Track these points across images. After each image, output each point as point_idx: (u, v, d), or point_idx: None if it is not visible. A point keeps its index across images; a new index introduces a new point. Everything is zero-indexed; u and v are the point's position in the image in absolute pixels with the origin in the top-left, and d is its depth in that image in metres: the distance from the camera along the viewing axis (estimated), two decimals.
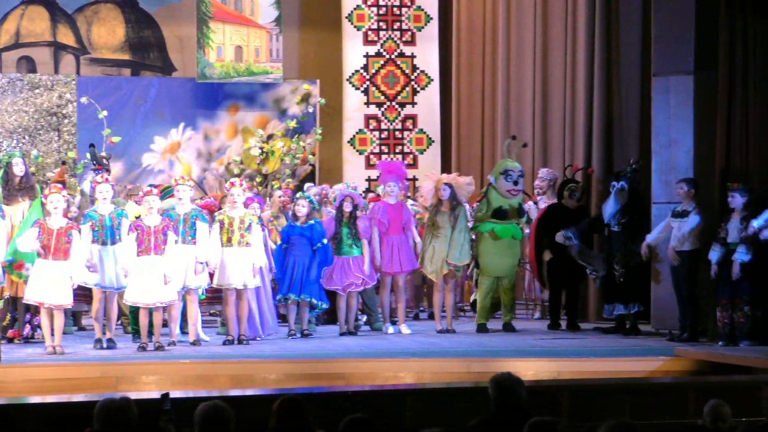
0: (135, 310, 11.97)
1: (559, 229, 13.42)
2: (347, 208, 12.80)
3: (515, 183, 13.26)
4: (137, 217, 11.87)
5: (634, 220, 12.97)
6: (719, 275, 12.01)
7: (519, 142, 14.21)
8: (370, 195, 14.36)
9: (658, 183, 13.15)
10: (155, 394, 8.23)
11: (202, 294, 12.29)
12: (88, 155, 14.72)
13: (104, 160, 13.90)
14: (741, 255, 11.62)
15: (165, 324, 11.91)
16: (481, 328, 13.26)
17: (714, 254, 11.85)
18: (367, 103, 16.84)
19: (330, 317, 13.66)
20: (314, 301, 12.61)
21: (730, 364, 10.97)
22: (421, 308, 14.96)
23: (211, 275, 12.00)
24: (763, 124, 12.26)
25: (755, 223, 11.33)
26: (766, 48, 12.30)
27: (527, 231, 13.93)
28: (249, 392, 9.91)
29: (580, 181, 14.05)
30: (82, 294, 12.08)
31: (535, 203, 14.30)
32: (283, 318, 13.05)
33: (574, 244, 13.22)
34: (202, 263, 11.78)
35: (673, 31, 13.17)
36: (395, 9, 16.80)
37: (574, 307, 13.78)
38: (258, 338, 12.33)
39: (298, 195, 12.97)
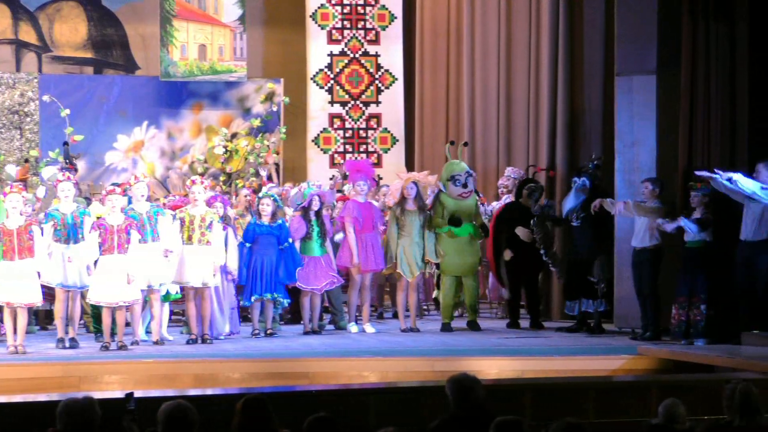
0: (98, 310, 11.91)
1: (515, 227, 13.47)
2: (315, 206, 12.79)
3: (464, 186, 13.28)
4: (99, 217, 11.81)
5: (597, 216, 13.02)
6: (679, 273, 12.12)
7: (459, 142, 14.31)
8: (337, 194, 14.35)
9: (621, 182, 13.22)
10: (118, 394, 8.20)
11: (178, 293, 12.24)
12: (56, 152, 14.67)
13: (74, 159, 13.86)
14: (689, 226, 11.74)
15: (128, 323, 11.86)
16: (445, 327, 13.29)
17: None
18: (332, 102, 16.84)
19: (294, 316, 13.64)
20: (280, 297, 12.59)
21: (693, 362, 11.04)
22: (382, 309, 14.95)
23: None
24: (724, 124, 12.34)
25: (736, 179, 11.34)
26: (727, 48, 12.37)
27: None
28: (212, 391, 9.89)
29: (540, 183, 14.06)
30: (47, 294, 12.01)
31: (483, 204, 14.28)
32: (246, 318, 13.03)
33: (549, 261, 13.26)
34: (168, 250, 11.77)
35: (635, 31, 13.24)
36: (359, 8, 16.80)
37: (536, 305, 13.81)
38: (221, 336, 12.30)
39: (261, 194, 12.96)
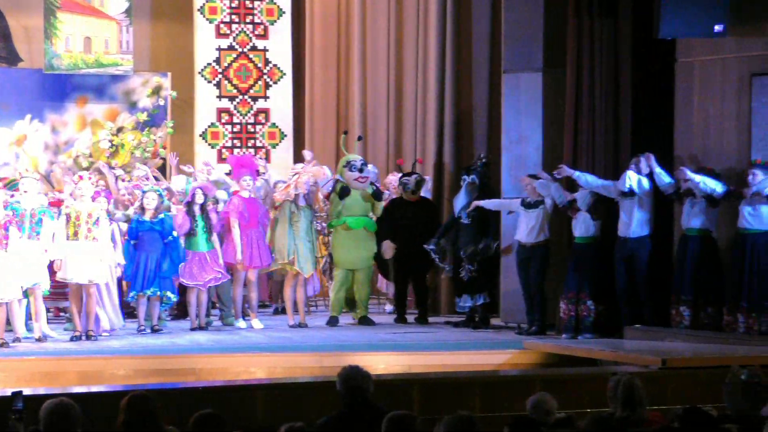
0: None
1: (400, 223, 13.51)
2: (199, 200, 12.69)
3: (360, 170, 13.34)
4: None
5: (483, 213, 13.13)
6: (569, 269, 12.29)
7: (352, 135, 14.35)
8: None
9: (507, 178, 13.35)
10: (2, 393, 8.05)
11: (46, 291, 12.06)
12: None
13: None
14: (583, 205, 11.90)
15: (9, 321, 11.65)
16: (333, 321, 13.30)
17: None
18: (219, 97, 16.71)
19: (180, 312, 13.53)
20: (169, 293, 12.48)
21: (577, 356, 11.19)
22: (269, 302, 14.89)
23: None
24: (608, 120, 12.52)
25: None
26: (611, 46, 12.55)
27: None
28: (97, 389, 9.76)
29: (415, 172, 14.03)
30: None
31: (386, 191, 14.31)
32: (130, 314, 12.90)
33: (437, 257, 13.29)
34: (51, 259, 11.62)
35: (522, 29, 13.38)
36: (247, 2, 16.69)
37: (423, 300, 13.88)
38: (106, 333, 12.15)
39: (145, 189, 12.81)
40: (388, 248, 13.54)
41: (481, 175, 13.23)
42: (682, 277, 11.77)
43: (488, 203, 13.04)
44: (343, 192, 13.23)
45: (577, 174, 12.09)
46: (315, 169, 13.64)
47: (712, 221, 11.77)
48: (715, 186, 11.52)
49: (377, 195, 13.48)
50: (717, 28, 11.67)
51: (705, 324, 11.66)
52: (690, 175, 11.56)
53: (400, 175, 14.11)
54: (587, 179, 12.07)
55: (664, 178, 11.83)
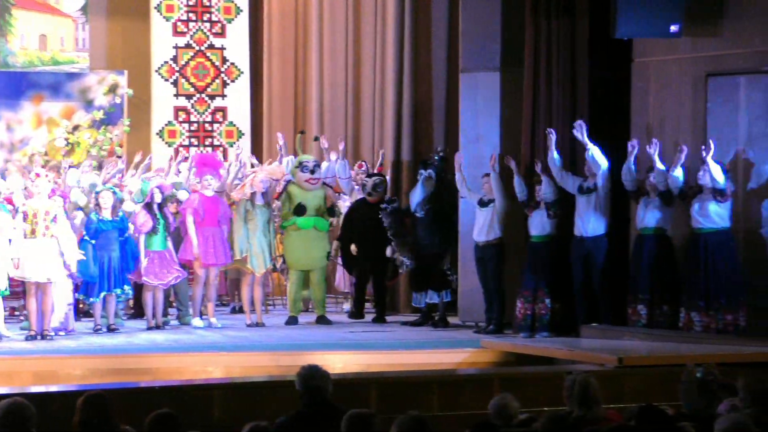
0: None
1: (362, 224, 13.50)
2: (158, 199, 12.64)
3: (312, 172, 13.33)
4: None
5: (440, 207, 13.16)
6: (525, 267, 12.33)
7: (307, 136, 14.37)
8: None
9: (459, 180, 13.34)
10: None
11: (6, 290, 11.97)
12: None
13: None
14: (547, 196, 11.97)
15: None
16: (291, 321, 13.29)
17: None
18: (177, 95, 16.65)
19: (137, 311, 13.46)
20: (126, 287, 12.44)
21: (534, 355, 11.23)
22: (227, 300, 14.85)
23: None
24: (565, 120, 12.56)
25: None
26: (568, 45, 12.60)
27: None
28: (52, 388, 9.68)
29: (374, 174, 14.02)
30: None
31: (339, 194, 14.29)
32: (86, 313, 12.83)
33: (388, 217, 13.21)
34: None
35: (480, 28, 13.41)
36: (205, 0, 16.65)
37: (382, 300, 13.88)
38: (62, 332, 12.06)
39: (100, 188, 12.73)
40: (352, 248, 13.58)
41: (439, 169, 13.25)
42: (638, 276, 11.84)
43: (457, 176, 12.97)
44: (299, 211, 13.18)
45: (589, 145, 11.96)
46: (272, 167, 13.62)
47: (667, 220, 11.84)
48: (720, 179, 11.41)
49: (331, 212, 13.46)
50: (673, 28, 11.75)
51: (661, 322, 11.73)
52: (710, 160, 11.44)
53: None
54: (594, 154, 11.94)
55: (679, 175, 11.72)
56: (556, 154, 12.12)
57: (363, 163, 14.53)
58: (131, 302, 13.52)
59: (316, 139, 14.81)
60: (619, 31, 11.71)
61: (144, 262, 12.48)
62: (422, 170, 13.30)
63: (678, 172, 11.60)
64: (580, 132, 11.93)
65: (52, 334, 11.82)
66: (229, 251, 12.96)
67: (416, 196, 13.25)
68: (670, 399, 8.36)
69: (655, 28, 11.79)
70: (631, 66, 12.39)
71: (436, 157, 13.39)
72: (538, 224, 12.29)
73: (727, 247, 11.47)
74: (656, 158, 11.68)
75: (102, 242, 12.32)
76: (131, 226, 12.58)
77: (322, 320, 13.36)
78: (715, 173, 11.35)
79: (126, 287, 12.47)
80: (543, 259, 12.25)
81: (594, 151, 11.88)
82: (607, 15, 11.79)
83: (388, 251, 13.49)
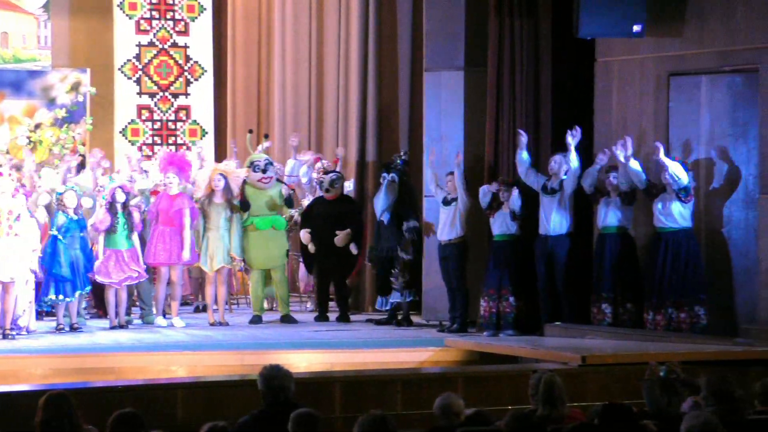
0: None
1: (321, 221, 13.50)
2: (120, 198, 12.59)
3: (264, 171, 13.32)
4: None
5: (404, 211, 13.17)
6: (488, 266, 12.36)
7: (261, 134, 14.41)
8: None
9: (429, 177, 13.37)
10: None
11: None
12: None
13: None
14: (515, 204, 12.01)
15: None
16: (255, 320, 13.28)
17: None
18: (140, 93, 16.58)
19: (101, 311, 13.40)
20: (88, 287, 12.39)
21: (498, 353, 11.26)
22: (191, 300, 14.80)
23: None
24: (528, 119, 12.61)
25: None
26: (531, 45, 12.64)
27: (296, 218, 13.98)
28: (14, 388, 9.61)
29: (330, 171, 14.00)
30: None
31: (293, 190, 14.26)
32: (48, 313, 12.77)
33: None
34: None
35: (443, 27, 13.43)
36: None
37: (345, 299, 13.87)
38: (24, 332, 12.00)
39: (63, 188, 12.67)
40: (309, 246, 13.54)
41: (401, 173, 13.27)
42: (601, 274, 11.89)
43: (427, 173, 13.01)
44: (243, 206, 13.17)
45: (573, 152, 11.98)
46: (227, 167, 13.52)
47: (629, 219, 11.91)
48: (682, 177, 11.47)
49: (288, 202, 13.42)
50: (635, 28, 11.81)
51: (626, 321, 11.79)
52: (663, 158, 11.51)
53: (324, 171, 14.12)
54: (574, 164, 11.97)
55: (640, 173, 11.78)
56: (525, 155, 12.16)
57: (319, 156, 14.54)
58: (92, 301, 13.47)
59: (266, 137, 14.82)
60: (582, 30, 11.77)
61: (99, 260, 12.43)
62: (385, 174, 13.32)
63: (635, 164, 11.63)
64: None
65: (14, 333, 11.74)
66: (192, 250, 12.92)
67: (380, 202, 13.27)
68: (633, 397, 8.41)
69: (618, 28, 11.85)
70: (594, 66, 12.44)
71: (398, 161, 13.39)
72: (502, 223, 12.32)
73: (690, 247, 11.55)
74: (621, 159, 11.70)
75: (68, 241, 12.28)
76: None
77: (286, 319, 13.34)
78: (675, 170, 11.42)
79: (88, 287, 12.45)
80: (506, 258, 12.28)
81: (571, 156, 11.93)
82: (571, 15, 11.84)
83: (353, 248, 13.49)
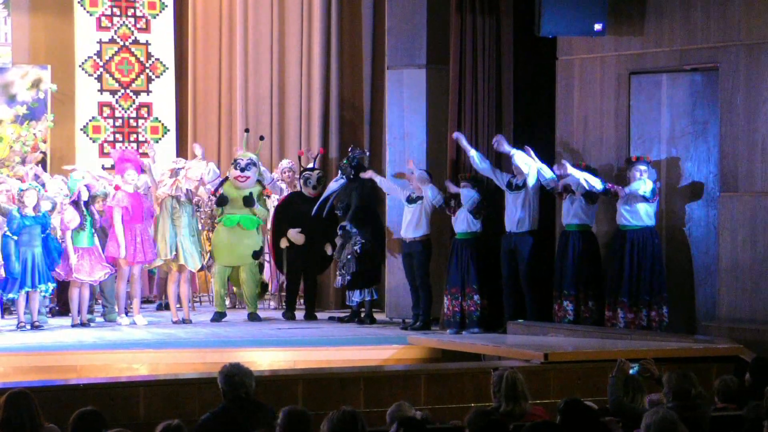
0: None
1: (298, 218, 13.50)
2: (85, 197, 12.55)
3: (242, 170, 13.31)
4: None
5: (367, 209, 13.18)
6: (450, 264, 12.39)
7: (253, 134, 14.32)
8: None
9: (392, 174, 13.40)
10: None
11: None
12: None
13: None
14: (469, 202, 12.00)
15: None
16: (217, 317, 13.26)
17: None
18: (101, 90, 16.50)
19: (62, 308, 13.35)
20: (50, 284, 12.32)
21: (460, 351, 11.29)
22: (153, 298, 14.76)
23: None
24: (490, 117, 12.64)
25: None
26: (493, 43, 12.67)
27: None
28: None
29: (316, 168, 14.05)
30: None
31: (269, 196, 14.26)
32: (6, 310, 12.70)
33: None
34: None
35: (405, 25, 13.45)
36: None
37: (312, 296, 13.87)
38: None
39: (24, 186, 12.61)
40: (282, 242, 13.53)
41: (354, 174, 13.19)
42: (563, 272, 11.94)
43: (382, 182, 13.06)
44: (221, 201, 13.22)
45: (513, 151, 12.03)
46: (193, 164, 13.53)
47: (591, 217, 11.96)
48: (595, 183, 11.70)
49: (247, 201, 13.38)
50: (597, 27, 11.88)
51: (588, 319, 11.84)
52: (571, 170, 11.72)
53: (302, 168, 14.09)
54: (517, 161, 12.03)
55: (545, 173, 11.98)
56: (477, 158, 12.19)
57: (297, 158, 14.50)
58: (54, 299, 13.41)
59: (262, 138, 14.73)
60: (543, 29, 11.81)
61: (73, 259, 12.38)
62: (339, 177, 13.36)
63: (579, 174, 11.70)
64: (500, 144, 11.98)
65: None
66: (153, 249, 12.88)
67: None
68: (595, 394, 8.47)
69: (579, 27, 11.91)
70: (555, 64, 12.49)
71: (348, 166, 13.31)
72: (463, 221, 12.36)
73: (652, 245, 11.62)
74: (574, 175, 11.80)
75: (25, 239, 12.21)
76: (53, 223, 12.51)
77: (253, 317, 13.34)
78: (586, 178, 11.57)
79: (50, 284, 12.39)
80: (468, 256, 12.31)
81: (517, 156, 11.96)
82: (532, 13, 11.88)
83: (328, 249, 13.51)
